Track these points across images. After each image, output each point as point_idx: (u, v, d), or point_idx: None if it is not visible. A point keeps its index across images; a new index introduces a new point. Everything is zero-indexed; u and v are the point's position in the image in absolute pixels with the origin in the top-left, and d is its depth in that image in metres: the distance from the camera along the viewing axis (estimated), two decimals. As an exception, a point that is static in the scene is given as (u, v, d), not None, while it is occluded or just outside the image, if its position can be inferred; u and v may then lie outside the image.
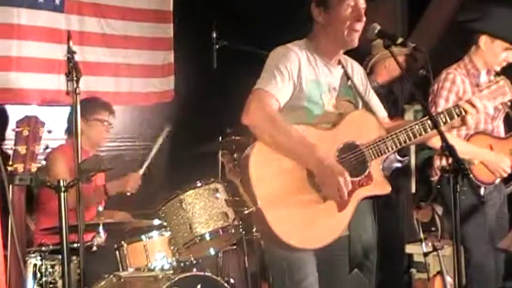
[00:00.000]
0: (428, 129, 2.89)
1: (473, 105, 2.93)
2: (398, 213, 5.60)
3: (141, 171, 4.53)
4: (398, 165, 4.47)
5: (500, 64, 4.07)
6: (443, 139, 2.63)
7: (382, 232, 4.88)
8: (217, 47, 4.50)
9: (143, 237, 4.11)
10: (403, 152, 3.07)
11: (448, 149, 2.56)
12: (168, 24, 5.91)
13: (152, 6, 5.82)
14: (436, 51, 6.22)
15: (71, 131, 4.37)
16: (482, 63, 4.09)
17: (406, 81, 5.18)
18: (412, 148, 5.72)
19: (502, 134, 4.19)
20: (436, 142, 3.11)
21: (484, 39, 4.06)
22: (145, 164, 4.57)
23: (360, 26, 2.92)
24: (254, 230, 4.25)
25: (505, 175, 4.09)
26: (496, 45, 4.04)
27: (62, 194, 3.16)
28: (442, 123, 2.91)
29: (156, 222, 4.17)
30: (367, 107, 3.09)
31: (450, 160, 2.57)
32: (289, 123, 2.80)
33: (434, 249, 4.55)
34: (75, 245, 3.57)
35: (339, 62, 3.07)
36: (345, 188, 2.72)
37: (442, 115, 2.93)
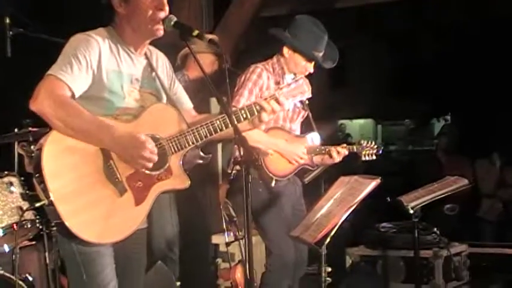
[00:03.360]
0: (230, 125, 2.85)
1: (279, 102, 2.95)
2: (203, 206, 5.70)
3: None
4: (200, 161, 4.54)
5: (302, 72, 4.12)
6: (236, 131, 2.69)
7: (188, 225, 4.95)
8: (11, 33, 4.27)
9: None
10: (207, 149, 3.09)
11: (239, 140, 2.63)
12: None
13: None
14: (242, 47, 6.42)
15: None
16: (286, 68, 4.20)
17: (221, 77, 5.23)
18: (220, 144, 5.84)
19: None
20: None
21: (286, 50, 4.17)
22: None
23: (163, 15, 2.86)
24: (53, 224, 4.11)
25: (302, 162, 4.21)
26: (297, 56, 4.16)
27: None
28: (242, 119, 2.91)
29: None
30: (171, 100, 3.07)
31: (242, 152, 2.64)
32: (82, 108, 2.70)
33: (236, 239, 4.68)
34: None
35: (144, 53, 3.01)
36: (153, 151, 2.70)
37: (243, 111, 2.92)
